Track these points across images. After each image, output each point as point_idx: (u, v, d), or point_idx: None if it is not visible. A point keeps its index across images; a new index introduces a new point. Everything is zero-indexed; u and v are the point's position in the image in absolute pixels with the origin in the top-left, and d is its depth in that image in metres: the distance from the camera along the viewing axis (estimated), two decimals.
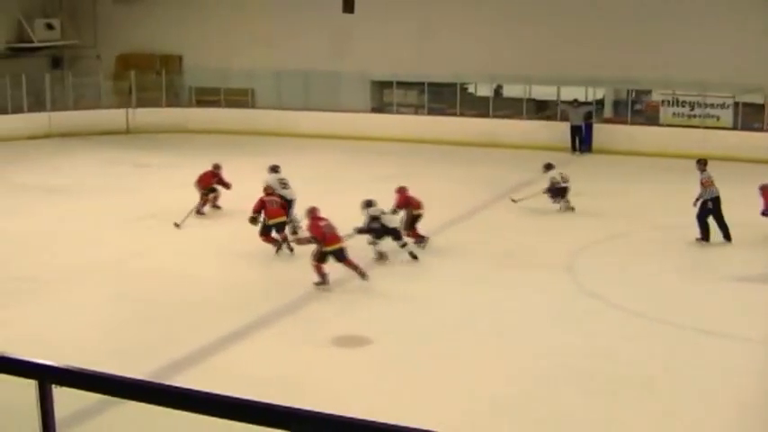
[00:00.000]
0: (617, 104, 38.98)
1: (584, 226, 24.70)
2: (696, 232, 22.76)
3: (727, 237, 22.76)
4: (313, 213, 20.03)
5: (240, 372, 14.34)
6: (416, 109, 40.91)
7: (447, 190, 28.65)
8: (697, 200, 22.88)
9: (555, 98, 38.23)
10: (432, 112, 40.25)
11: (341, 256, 19.29)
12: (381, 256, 20.42)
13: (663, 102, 36.97)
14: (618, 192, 28.95)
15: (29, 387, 3.80)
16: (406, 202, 22.90)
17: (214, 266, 21.16)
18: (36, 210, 27.19)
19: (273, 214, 22.18)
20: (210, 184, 26.66)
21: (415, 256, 21.15)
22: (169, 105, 43.36)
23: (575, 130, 36.31)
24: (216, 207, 26.77)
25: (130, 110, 42.53)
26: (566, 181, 26.50)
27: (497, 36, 38.00)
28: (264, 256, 21.85)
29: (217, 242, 23.42)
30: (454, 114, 39.56)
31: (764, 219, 22.69)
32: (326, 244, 19.33)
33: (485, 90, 40.60)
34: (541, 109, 38.92)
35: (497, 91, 40.87)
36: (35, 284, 19.90)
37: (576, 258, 21.60)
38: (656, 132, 36.22)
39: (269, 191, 23.09)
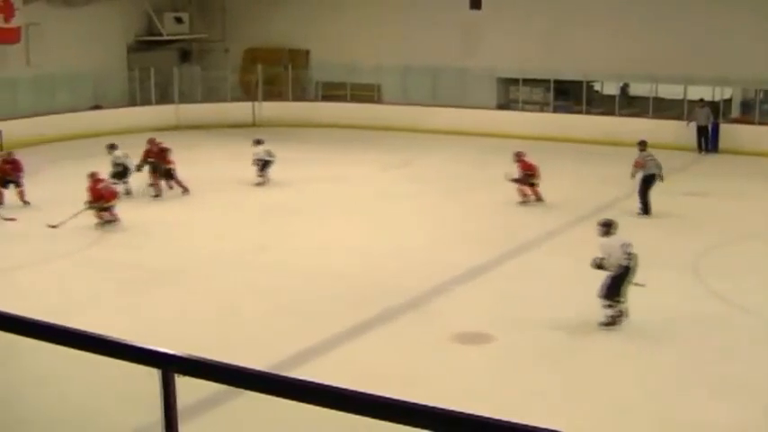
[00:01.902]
0: (745, 104, 38.23)
1: (711, 227, 24.28)
2: None
3: (645, 211, 25.51)
4: (93, 177, 24.74)
5: (361, 366, 14.38)
6: (542, 106, 40.62)
7: (571, 187, 28.43)
8: (633, 176, 25.83)
9: (682, 97, 37.63)
10: (557, 109, 39.96)
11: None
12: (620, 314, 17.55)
13: None
14: (747, 192, 28.42)
15: (152, 375, 3.84)
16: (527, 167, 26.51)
17: (340, 261, 21.25)
18: (163, 201, 27.59)
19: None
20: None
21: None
22: (296, 99, 43.71)
23: (701, 130, 35.72)
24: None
25: (257, 103, 42.92)
26: (271, 156, 29.82)
27: (624, 34, 37.55)
28: (385, 252, 21.93)
29: (341, 236, 23.55)
30: (580, 112, 39.22)
31: None
32: (106, 200, 24.37)
33: (611, 88, 40.17)
34: (668, 108, 38.35)
35: (624, 89, 40.40)
36: (162, 274, 20.24)
37: (703, 259, 21.23)
38: None
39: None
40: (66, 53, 40.37)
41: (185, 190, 28.54)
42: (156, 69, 42.37)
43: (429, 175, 30.62)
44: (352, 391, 3.47)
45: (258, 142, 30.45)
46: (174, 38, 45.21)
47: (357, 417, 3.43)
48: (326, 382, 3.53)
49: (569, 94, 40.08)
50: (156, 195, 28.04)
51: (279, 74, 44.02)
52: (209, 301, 18.51)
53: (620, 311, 16.81)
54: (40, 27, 39.59)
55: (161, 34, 44.73)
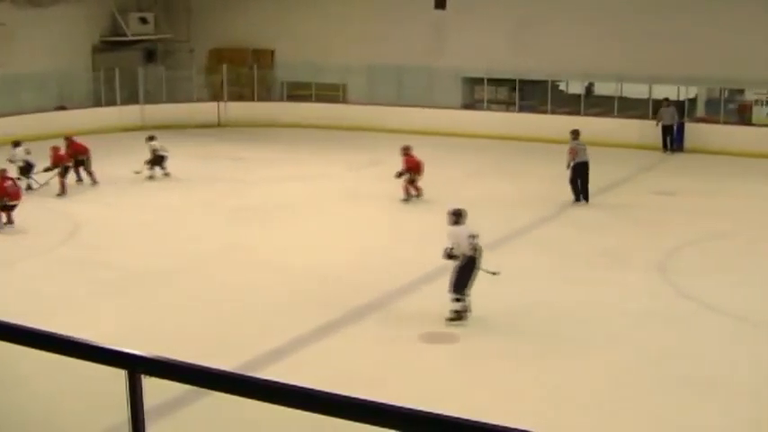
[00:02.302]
0: (709, 103, 38.41)
1: (677, 225, 24.40)
2: None
3: (585, 198, 26.71)
4: (1, 174, 24.68)
5: (328, 366, 14.39)
6: (507, 106, 40.70)
7: (537, 187, 28.55)
8: (568, 165, 26.79)
9: (647, 96, 37.76)
10: (523, 109, 40.03)
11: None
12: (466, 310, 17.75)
13: (756, 101, 36.46)
14: (713, 191, 28.59)
15: (119, 376, 3.83)
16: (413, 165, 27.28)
17: (307, 260, 21.26)
18: (130, 202, 27.57)
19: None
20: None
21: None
22: (261, 100, 43.66)
23: (666, 129, 35.86)
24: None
25: (222, 103, 42.88)
26: (165, 150, 30.73)
27: (590, 34, 37.64)
28: (358, 250, 21.98)
29: (309, 236, 23.57)
30: (545, 112, 39.29)
31: None
32: (10, 199, 24.47)
33: (576, 88, 40.30)
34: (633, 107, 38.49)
35: (589, 89, 40.53)
36: (129, 276, 20.19)
37: (670, 258, 21.33)
38: (748, 132, 35.69)
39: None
40: (31, 53, 40.19)
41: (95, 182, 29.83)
42: (121, 70, 42.20)
43: (394, 176, 30.65)
44: (319, 392, 3.47)
45: (151, 138, 31.32)
46: (139, 38, 45.07)
47: (325, 417, 3.44)
48: (293, 383, 3.54)
49: (535, 94, 40.14)
50: (61, 194, 28.56)
51: (244, 74, 43.98)
52: (177, 301, 18.49)
53: (465, 306, 16.97)
54: (6, 27, 39.38)
55: (126, 34, 44.56)
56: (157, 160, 30.71)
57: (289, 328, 16.62)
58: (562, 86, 40.93)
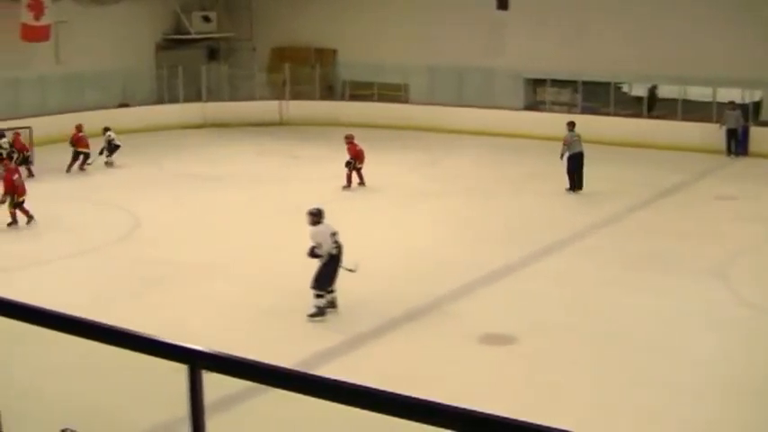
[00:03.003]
0: None
1: (738, 230, 24.14)
2: None
3: (579, 187, 28.05)
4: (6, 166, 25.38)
5: (385, 365, 14.39)
6: (569, 108, 40.41)
7: (598, 190, 28.36)
8: (562, 156, 28.33)
9: (711, 99, 37.34)
10: (585, 110, 39.67)
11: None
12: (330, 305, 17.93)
13: None
14: None
15: (179, 371, 3.85)
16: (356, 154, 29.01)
17: (366, 260, 21.20)
18: (190, 198, 27.74)
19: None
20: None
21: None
22: (322, 98, 43.68)
23: (731, 133, 35.45)
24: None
25: (284, 102, 42.97)
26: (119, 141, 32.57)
27: (653, 35, 37.29)
28: (415, 250, 21.94)
29: (367, 236, 23.55)
30: (608, 114, 38.94)
31: None
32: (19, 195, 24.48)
33: (639, 90, 39.97)
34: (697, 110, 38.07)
35: (652, 91, 40.19)
36: (186, 271, 20.30)
37: (730, 264, 21.08)
38: None
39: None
40: (95, 51, 40.60)
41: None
42: (183, 68, 42.47)
43: (455, 175, 30.59)
44: (376, 390, 3.47)
45: (107, 129, 32.89)
46: (201, 36, 45.32)
47: (381, 416, 3.44)
48: (351, 380, 3.54)
49: (597, 96, 39.81)
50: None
51: (306, 73, 44.04)
52: (233, 297, 18.56)
53: (330, 302, 17.26)
54: (70, 25, 39.77)
55: (189, 33, 44.85)
56: (112, 149, 32.52)
57: (345, 327, 16.65)
58: (625, 88, 40.61)
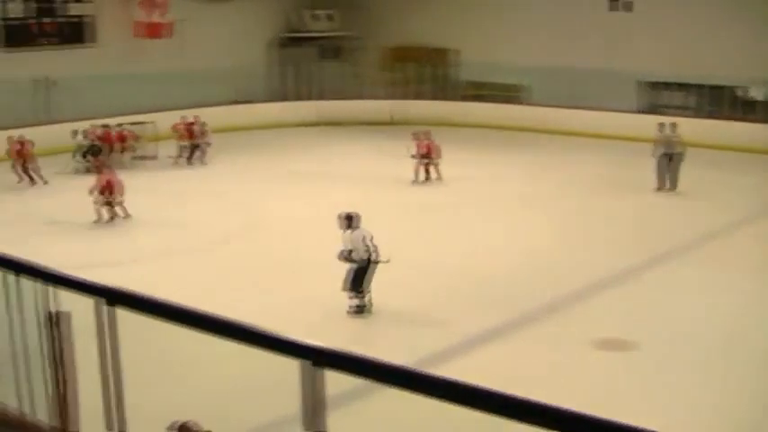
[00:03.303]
0: None
1: None
2: None
3: (672, 187, 28.18)
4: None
5: (499, 368, 14.35)
6: (689, 112, 39.68)
7: (715, 195, 27.92)
8: (653, 155, 28.48)
9: None
10: (707, 115, 38.87)
11: None
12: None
13: None
14: None
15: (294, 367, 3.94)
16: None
17: (481, 262, 21.19)
18: (303, 195, 27.92)
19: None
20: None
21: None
22: (438, 98, 43.61)
23: None
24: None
25: (399, 101, 42.97)
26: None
27: None
28: (529, 252, 21.87)
29: (482, 237, 23.52)
30: (730, 118, 37.88)
31: None
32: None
33: (759, 94, 39.03)
34: None
35: None
36: (301, 268, 20.46)
37: None
38: None
39: None
40: (212, 48, 41.16)
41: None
42: (298, 66, 42.79)
43: (571, 178, 30.34)
44: (491, 391, 3.51)
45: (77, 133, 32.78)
46: (317, 35, 45.56)
47: (493, 417, 3.48)
48: (467, 381, 3.59)
49: (719, 100, 39.03)
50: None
51: (421, 72, 44.04)
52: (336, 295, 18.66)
53: (366, 302, 17.41)
54: (187, 22, 40.34)
55: (305, 31, 45.15)
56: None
57: (459, 328, 16.65)
58: (743, 92, 39.77)
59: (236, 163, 32.95)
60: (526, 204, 26.94)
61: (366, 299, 17.47)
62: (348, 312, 17.32)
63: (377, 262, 17.49)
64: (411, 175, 29.74)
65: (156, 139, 34.49)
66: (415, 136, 30.40)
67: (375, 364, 3.81)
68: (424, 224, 24.74)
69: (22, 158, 29.94)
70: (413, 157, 29.80)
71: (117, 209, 24.98)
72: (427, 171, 29.98)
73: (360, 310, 17.39)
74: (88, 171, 30.41)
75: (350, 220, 17.64)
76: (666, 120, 29.89)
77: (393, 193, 28.40)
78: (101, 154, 31.96)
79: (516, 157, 34.27)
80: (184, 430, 8.79)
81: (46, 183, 29.92)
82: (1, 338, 7.52)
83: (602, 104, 39.45)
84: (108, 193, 24.83)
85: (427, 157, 30.02)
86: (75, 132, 32.33)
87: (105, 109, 35.50)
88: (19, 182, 29.77)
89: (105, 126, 33.33)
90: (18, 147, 30.02)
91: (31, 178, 30.00)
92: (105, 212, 24.81)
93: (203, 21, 41.04)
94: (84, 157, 31.81)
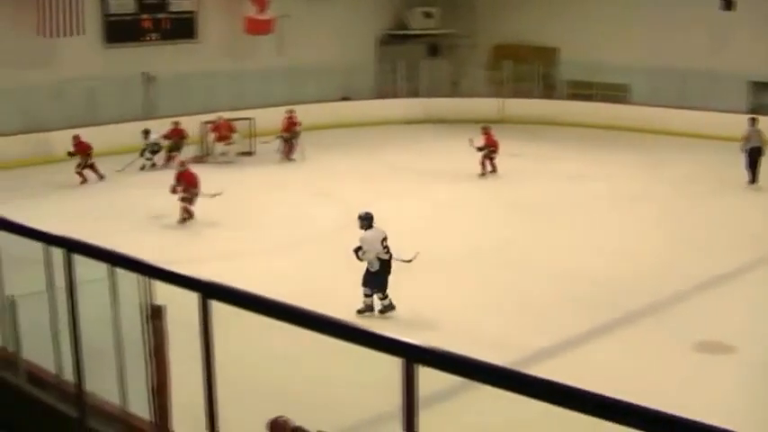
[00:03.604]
0: None
1: None
2: None
3: (753, 180, 28.76)
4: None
5: (597, 369, 14.22)
6: None
7: None
8: (742, 150, 29.00)
9: None
10: None
11: None
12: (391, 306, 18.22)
13: None
14: None
15: (394, 364, 3.90)
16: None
17: (580, 261, 21.05)
18: (408, 192, 27.97)
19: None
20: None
21: None
22: (542, 97, 43.44)
23: None
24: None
25: (503, 100, 42.87)
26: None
27: None
28: (631, 253, 21.65)
29: (582, 236, 23.36)
30: None
31: None
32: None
33: None
34: None
35: None
36: (404, 266, 20.46)
37: None
38: None
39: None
40: (316, 45, 41.43)
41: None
42: (404, 63, 42.87)
43: (675, 179, 29.99)
44: (588, 392, 3.45)
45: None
46: (422, 32, 45.63)
47: (589, 418, 3.41)
48: (564, 381, 3.52)
49: None
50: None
51: (526, 71, 43.86)
52: (447, 294, 18.62)
53: (391, 303, 17.37)
54: (292, 19, 40.64)
55: (410, 28, 45.23)
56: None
57: (557, 329, 16.54)
58: None
59: (338, 159, 33.11)
60: (630, 203, 26.64)
61: (386, 303, 17.51)
62: (357, 311, 17.36)
63: (405, 260, 17.69)
64: (478, 169, 30.46)
65: (255, 134, 34.70)
66: (485, 129, 30.94)
67: (473, 363, 3.76)
68: (530, 223, 24.61)
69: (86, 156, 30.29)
70: (479, 149, 30.31)
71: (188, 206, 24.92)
72: (492, 164, 30.68)
73: (368, 308, 17.52)
74: (153, 167, 30.85)
75: (368, 221, 17.61)
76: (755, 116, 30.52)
77: (496, 191, 28.35)
78: (167, 150, 32.47)
79: (620, 156, 33.92)
80: (276, 426, 8.81)
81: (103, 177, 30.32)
82: (104, 332, 7.60)
83: (708, 105, 38.85)
84: (185, 189, 24.83)
85: (494, 150, 30.65)
86: (146, 132, 32.36)
87: (206, 105, 35.83)
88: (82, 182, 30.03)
89: (176, 123, 33.55)
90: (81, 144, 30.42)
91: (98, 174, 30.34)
92: (185, 210, 24.83)
93: (307, 17, 41.30)
94: (143, 154, 32.03)
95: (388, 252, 17.38)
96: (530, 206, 26.23)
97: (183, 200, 24.60)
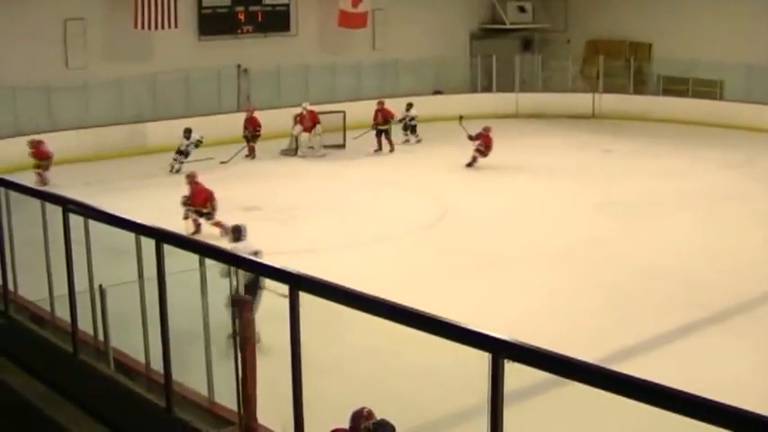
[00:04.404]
0: None
1: None
2: None
3: None
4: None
5: (688, 367, 14.06)
6: None
7: None
8: None
9: None
10: None
11: None
12: None
13: None
14: None
15: (482, 359, 3.87)
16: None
17: (672, 259, 20.81)
18: (499, 187, 27.92)
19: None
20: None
21: None
22: (636, 93, 43.03)
23: None
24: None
25: (597, 95, 42.56)
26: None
27: None
28: (723, 252, 21.37)
29: (674, 234, 23.10)
30: None
31: None
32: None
33: None
34: None
35: None
36: (488, 262, 20.42)
37: None
38: None
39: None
40: (409, 38, 41.49)
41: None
42: (497, 57, 42.74)
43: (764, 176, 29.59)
44: (679, 391, 3.41)
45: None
46: (516, 27, 45.49)
47: (680, 417, 3.37)
48: (655, 380, 3.48)
49: None
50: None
51: (619, 66, 43.50)
52: (536, 291, 18.53)
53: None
54: (386, 12, 40.75)
55: (504, 23, 45.11)
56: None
57: (644, 328, 16.37)
58: None
59: (428, 153, 33.10)
60: (723, 201, 26.25)
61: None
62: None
63: (263, 286, 13.47)
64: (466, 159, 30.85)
65: (346, 128, 34.80)
66: (485, 129, 31.05)
67: (561, 359, 3.73)
68: (620, 219, 24.40)
69: None
70: (470, 138, 30.82)
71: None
72: (475, 158, 30.81)
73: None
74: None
75: (237, 233, 16.63)
76: None
77: (586, 186, 28.06)
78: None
79: (713, 152, 33.43)
80: (359, 417, 8.83)
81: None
82: (192, 323, 7.66)
83: None
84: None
85: (486, 148, 30.76)
86: (187, 131, 30.72)
87: (299, 98, 35.94)
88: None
89: (250, 110, 33.93)
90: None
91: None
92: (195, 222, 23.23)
93: (400, 11, 41.37)
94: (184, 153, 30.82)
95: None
96: (620, 202, 25.98)
97: (195, 212, 23.21)
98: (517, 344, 3.80)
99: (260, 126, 32.95)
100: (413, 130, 35.19)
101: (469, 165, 30.54)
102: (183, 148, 30.23)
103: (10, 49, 31.76)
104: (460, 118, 30.65)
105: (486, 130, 30.82)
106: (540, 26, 46.05)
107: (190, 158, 29.67)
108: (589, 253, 21.29)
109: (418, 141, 35.08)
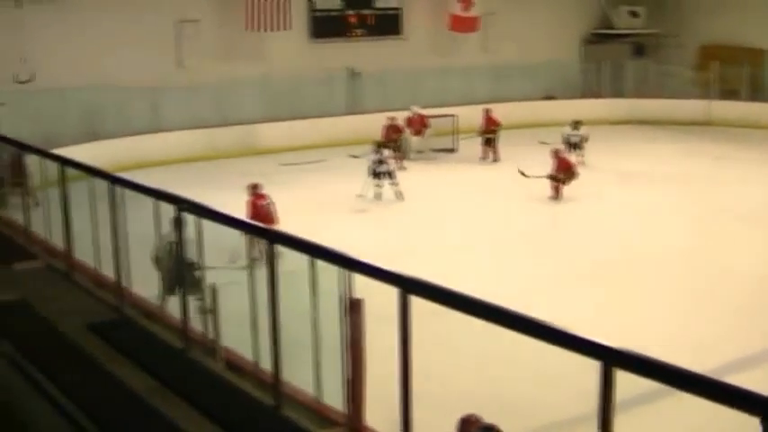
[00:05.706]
0: None
1: None
2: None
3: None
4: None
5: None
6: None
7: None
8: None
9: None
10: None
11: None
12: None
13: None
14: None
15: (590, 366, 3.85)
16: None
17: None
18: (613, 194, 27.65)
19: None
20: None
21: None
22: (750, 99, 42.38)
23: None
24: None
25: (711, 102, 41.99)
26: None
27: None
28: None
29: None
30: None
31: None
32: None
33: None
34: None
35: None
36: (598, 266, 20.30)
37: None
38: None
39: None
40: (521, 43, 41.35)
41: None
42: (609, 62, 42.43)
43: None
44: None
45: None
46: (628, 32, 45.05)
47: None
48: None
49: None
50: None
51: (734, 72, 42.83)
52: (648, 297, 18.35)
53: None
54: (497, 17, 40.69)
55: (616, 28, 44.74)
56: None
57: (759, 336, 16.12)
58: None
59: (536, 158, 32.93)
60: None
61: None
62: None
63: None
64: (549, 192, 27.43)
65: (458, 132, 34.78)
66: (556, 153, 28.07)
67: (672, 369, 3.69)
68: (732, 227, 24.04)
69: None
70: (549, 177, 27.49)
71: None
72: (558, 188, 27.42)
73: None
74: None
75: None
76: None
77: (698, 193, 27.70)
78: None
79: None
80: (467, 424, 8.83)
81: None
82: (301, 323, 7.72)
83: None
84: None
85: (564, 173, 27.54)
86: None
87: (410, 101, 35.97)
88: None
89: (391, 119, 33.29)
90: None
91: None
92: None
93: (512, 15, 41.25)
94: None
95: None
96: (732, 210, 25.59)
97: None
98: (627, 353, 3.77)
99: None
100: (577, 147, 32.36)
101: (554, 197, 27.42)
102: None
103: (122, 50, 32.33)
104: (522, 173, 28.09)
105: (558, 152, 28.20)
106: (653, 31, 45.54)
107: (299, 160, 29.86)
108: (700, 260, 21.04)
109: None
